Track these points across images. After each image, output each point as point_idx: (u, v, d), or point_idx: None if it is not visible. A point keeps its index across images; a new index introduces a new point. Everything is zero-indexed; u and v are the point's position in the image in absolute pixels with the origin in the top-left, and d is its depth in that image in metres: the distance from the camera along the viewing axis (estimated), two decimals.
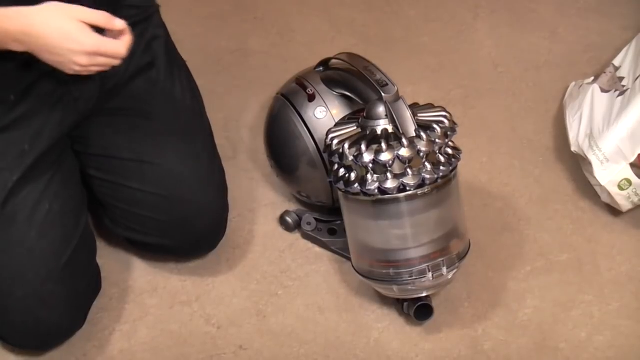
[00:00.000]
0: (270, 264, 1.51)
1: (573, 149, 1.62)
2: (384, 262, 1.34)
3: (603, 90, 1.66)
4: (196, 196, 1.40)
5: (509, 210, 1.61)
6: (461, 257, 1.36)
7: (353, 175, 1.30)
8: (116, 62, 1.20)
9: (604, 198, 1.57)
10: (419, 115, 1.32)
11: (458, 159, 1.34)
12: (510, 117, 1.78)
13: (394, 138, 1.28)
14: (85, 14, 1.15)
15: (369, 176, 1.28)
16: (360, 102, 1.40)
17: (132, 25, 1.36)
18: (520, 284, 1.49)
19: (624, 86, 1.62)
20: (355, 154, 1.27)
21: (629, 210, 1.56)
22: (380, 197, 1.28)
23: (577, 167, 1.65)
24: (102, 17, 1.16)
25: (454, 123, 1.34)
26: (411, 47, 1.93)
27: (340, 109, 1.44)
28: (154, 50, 1.42)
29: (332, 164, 1.34)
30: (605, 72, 1.71)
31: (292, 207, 1.59)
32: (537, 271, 1.51)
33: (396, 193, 1.27)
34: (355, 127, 1.33)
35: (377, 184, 1.27)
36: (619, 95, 1.60)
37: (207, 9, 2.01)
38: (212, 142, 1.49)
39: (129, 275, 1.49)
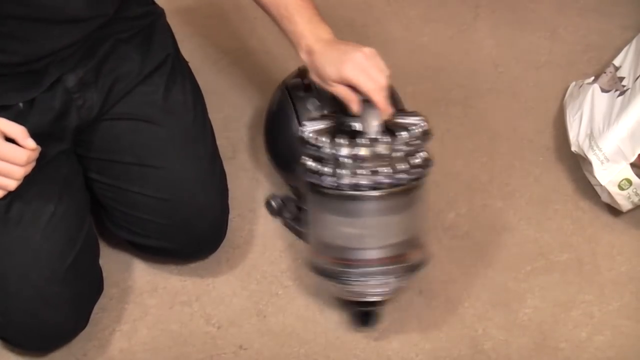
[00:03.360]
0: (270, 264, 1.51)
1: (573, 148, 1.62)
2: (334, 258, 1.32)
3: (603, 90, 1.66)
4: (197, 199, 1.40)
5: (509, 210, 1.61)
6: (413, 268, 1.33)
7: (320, 168, 1.29)
8: (14, 175, 1.18)
9: (604, 198, 1.57)
10: (397, 119, 1.32)
11: (428, 168, 1.33)
12: (510, 117, 1.78)
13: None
14: (2, 122, 1.17)
15: (336, 170, 1.27)
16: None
17: (137, 33, 1.38)
18: (520, 284, 1.49)
19: (624, 86, 1.62)
20: (330, 146, 1.27)
21: (629, 210, 1.56)
22: (340, 192, 1.27)
23: (577, 167, 1.65)
24: (17, 131, 1.17)
25: (429, 132, 1.33)
26: (411, 47, 1.93)
27: (333, 103, 1.44)
28: (159, 55, 1.42)
29: (306, 155, 1.33)
30: (605, 72, 1.71)
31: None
32: (537, 271, 1.51)
33: (360, 191, 1.26)
34: (331, 122, 1.33)
35: (343, 180, 1.26)
36: (619, 95, 1.60)
37: (207, 9, 2.01)
38: (213, 145, 1.49)
39: (129, 275, 1.49)
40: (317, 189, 1.30)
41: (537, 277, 1.50)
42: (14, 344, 1.35)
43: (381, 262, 1.30)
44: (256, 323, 1.43)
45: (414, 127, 1.30)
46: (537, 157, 1.70)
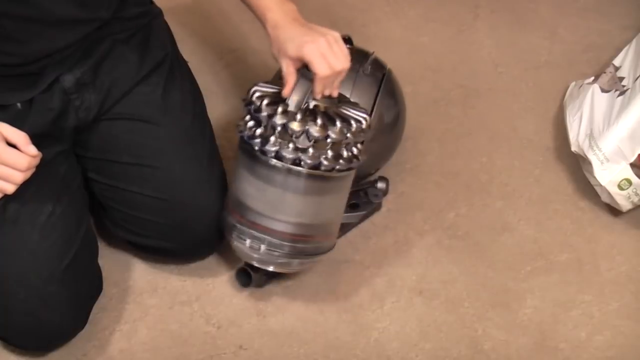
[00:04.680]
0: None
1: (573, 148, 1.62)
2: (237, 213, 1.35)
3: (603, 90, 1.66)
4: (196, 199, 1.40)
5: (509, 210, 1.61)
6: (300, 252, 1.35)
7: (249, 125, 1.32)
8: (14, 179, 1.18)
9: (604, 198, 1.57)
10: (343, 108, 1.34)
11: (358, 161, 1.34)
12: (510, 117, 1.78)
13: (310, 113, 1.29)
14: (5, 128, 1.17)
15: (257, 131, 1.29)
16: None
17: (135, 33, 1.37)
18: (520, 284, 1.49)
19: (624, 86, 1.62)
20: (270, 112, 1.29)
21: (629, 210, 1.56)
22: (249, 150, 1.30)
23: (577, 167, 1.65)
24: (19, 137, 1.17)
25: (369, 127, 1.34)
26: (411, 47, 1.93)
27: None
28: (157, 55, 1.42)
29: (246, 113, 1.35)
30: (605, 72, 1.71)
31: None
32: (537, 271, 1.51)
33: (265, 155, 1.29)
34: (280, 90, 1.34)
35: (256, 139, 1.29)
36: (619, 95, 1.60)
37: (207, 8, 2.01)
38: (212, 144, 1.49)
39: (129, 275, 1.49)
40: (240, 144, 1.34)
41: (537, 277, 1.50)
42: (13, 344, 1.35)
43: (266, 230, 1.33)
44: (256, 323, 1.43)
45: (359, 119, 1.31)
46: (537, 157, 1.70)
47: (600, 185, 1.54)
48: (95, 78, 1.33)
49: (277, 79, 1.53)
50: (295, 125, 1.27)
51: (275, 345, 1.40)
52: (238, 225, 1.35)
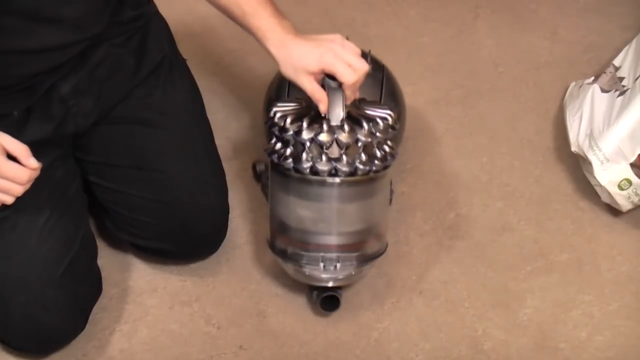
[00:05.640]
0: (270, 264, 1.51)
1: (573, 149, 1.62)
2: (291, 239, 1.34)
3: (603, 90, 1.66)
4: (196, 201, 1.40)
5: (509, 210, 1.61)
6: (368, 257, 1.35)
7: (288, 151, 1.30)
8: (13, 192, 1.18)
9: (604, 198, 1.57)
10: (366, 110, 1.33)
11: (393, 158, 1.34)
12: (510, 117, 1.78)
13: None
14: (6, 140, 1.17)
15: (304, 154, 1.28)
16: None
17: (132, 36, 1.37)
18: (520, 284, 1.49)
19: (624, 86, 1.62)
20: (296, 129, 1.28)
21: (629, 210, 1.56)
22: (298, 174, 1.28)
23: (577, 167, 1.65)
24: (20, 150, 1.17)
25: (396, 123, 1.34)
26: (411, 47, 1.93)
27: None
28: (155, 58, 1.41)
29: (272, 135, 1.33)
30: (605, 72, 1.71)
31: None
32: (537, 271, 1.51)
33: (317, 175, 1.27)
34: (302, 106, 1.33)
35: (303, 163, 1.27)
36: (619, 95, 1.60)
37: (207, 8, 2.00)
38: (212, 145, 1.49)
39: (129, 275, 1.49)
40: (278, 169, 1.32)
41: (537, 277, 1.50)
42: (12, 347, 1.35)
43: (335, 248, 1.32)
44: (256, 323, 1.43)
45: (380, 120, 1.31)
46: (537, 157, 1.70)
47: (600, 185, 1.54)
48: (92, 84, 1.32)
49: (285, 91, 1.53)
50: (323, 137, 1.25)
51: (275, 345, 1.40)
52: (305, 253, 1.33)
